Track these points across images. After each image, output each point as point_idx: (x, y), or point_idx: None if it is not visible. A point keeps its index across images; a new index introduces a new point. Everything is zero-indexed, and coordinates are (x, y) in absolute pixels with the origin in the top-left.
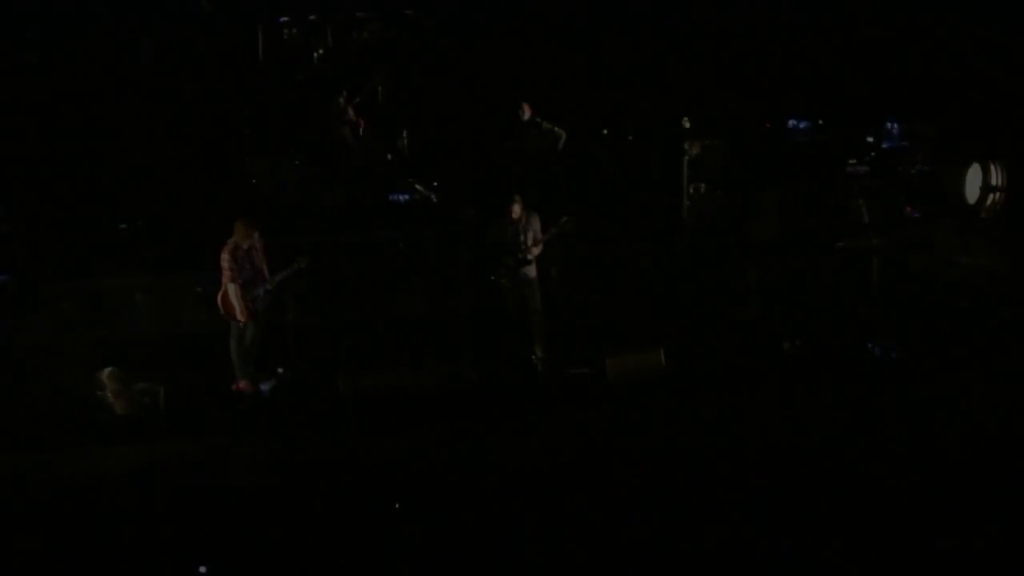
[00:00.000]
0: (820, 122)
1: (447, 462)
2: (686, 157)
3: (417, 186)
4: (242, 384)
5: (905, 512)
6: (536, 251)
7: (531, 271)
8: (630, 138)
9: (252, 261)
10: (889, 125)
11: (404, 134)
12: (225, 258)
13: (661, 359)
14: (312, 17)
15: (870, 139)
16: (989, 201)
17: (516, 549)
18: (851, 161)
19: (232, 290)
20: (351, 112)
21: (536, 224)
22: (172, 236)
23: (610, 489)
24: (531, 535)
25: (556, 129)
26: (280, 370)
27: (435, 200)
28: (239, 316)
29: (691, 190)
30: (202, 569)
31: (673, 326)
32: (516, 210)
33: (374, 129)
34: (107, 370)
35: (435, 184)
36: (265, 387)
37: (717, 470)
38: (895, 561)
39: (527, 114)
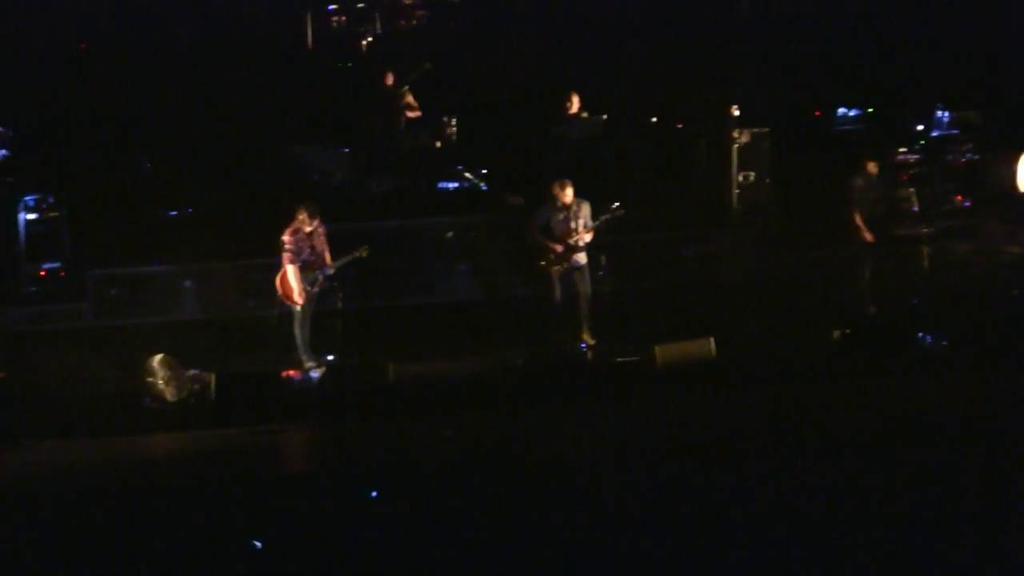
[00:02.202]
0: (869, 110)
1: (495, 450)
2: (735, 145)
3: (466, 174)
4: (290, 371)
5: (955, 503)
6: (587, 237)
7: (581, 257)
8: (679, 127)
9: (312, 245)
10: (938, 113)
11: (452, 121)
12: (286, 239)
13: (711, 347)
14: (360, 4)
15: (919, 127)
16: None
17: (562, 537)
18: (900, 149)
19: (291, 272)
20: (406, 99)
21: (586, 210)
22: (221, 224)
23: (658, 477)
24: (579, 523)
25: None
26: (329, 357)
27: (483, 188)
28: (296, 298)
29: (740, 178)
30: (256, 543)
31: (723, 314)
32: (567, 195)
33: (422, 116)
34: (157, 357)
35: (483, 171)
36: (315, 374)
37: (767, 459)
38: (944, 551)
39: (575, 105)
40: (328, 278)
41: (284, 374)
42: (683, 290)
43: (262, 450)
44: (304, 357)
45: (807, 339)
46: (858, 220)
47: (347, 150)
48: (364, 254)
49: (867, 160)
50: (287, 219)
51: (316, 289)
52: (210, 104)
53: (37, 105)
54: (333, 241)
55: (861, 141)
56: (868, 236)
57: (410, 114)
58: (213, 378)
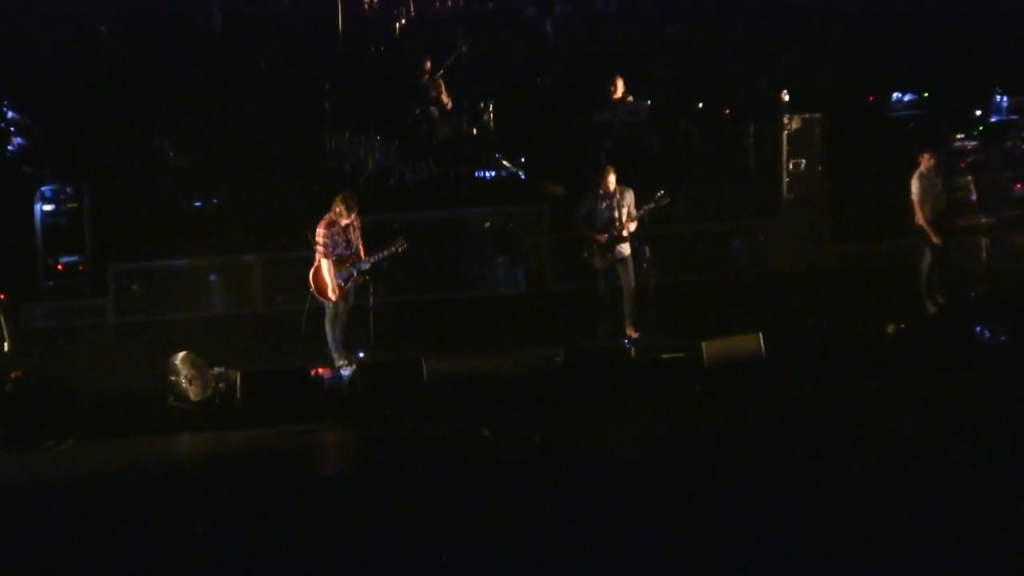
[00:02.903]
0: (925, 95)
1: (535, 451)
2: (785, 132)
3: (504, 162)
4: (320, 369)
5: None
6: (631, 227)
7: (625, 248)
8: (727, 112)
9: (348, 239)
10: (997, 98)
11: (490, 108)
12: (320, 232)
13: (760, 343)
14: None
15: (978, 112)
16: None
17: (605, 542)
18: (958, 136)
19: (325, 266)
20: (437, 86)
21: (630, 199)
22: (248, 215)
23: (705, 480)
24: (622, 527)
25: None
26: (361, 354)
27: (522, 176)
28: (330, 294)
29: (791, 166)
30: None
31: (773, 308)
32: (610, 182)
33: (458, 103)
34: (180, 354)
35: (522, 160)
36: (346, 372)
37: (817, 459)
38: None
39: (620, 90)
40: (363, 273)
41: (314, 372)
42: (731, 283)
43: (289, 452)
44: (335, 355)
45: (860, 334)
46: (924, 223)
47: (380, 138)
48: (402, 249)
49: (923, 154)
50: (318, 210)
51: (350, 285)
52: (237, 91)
53: (56, 92)
54: (365, 234)
55: (917, 127)
56: (936, 239)
57: (445, 100)
58: (239, 376)
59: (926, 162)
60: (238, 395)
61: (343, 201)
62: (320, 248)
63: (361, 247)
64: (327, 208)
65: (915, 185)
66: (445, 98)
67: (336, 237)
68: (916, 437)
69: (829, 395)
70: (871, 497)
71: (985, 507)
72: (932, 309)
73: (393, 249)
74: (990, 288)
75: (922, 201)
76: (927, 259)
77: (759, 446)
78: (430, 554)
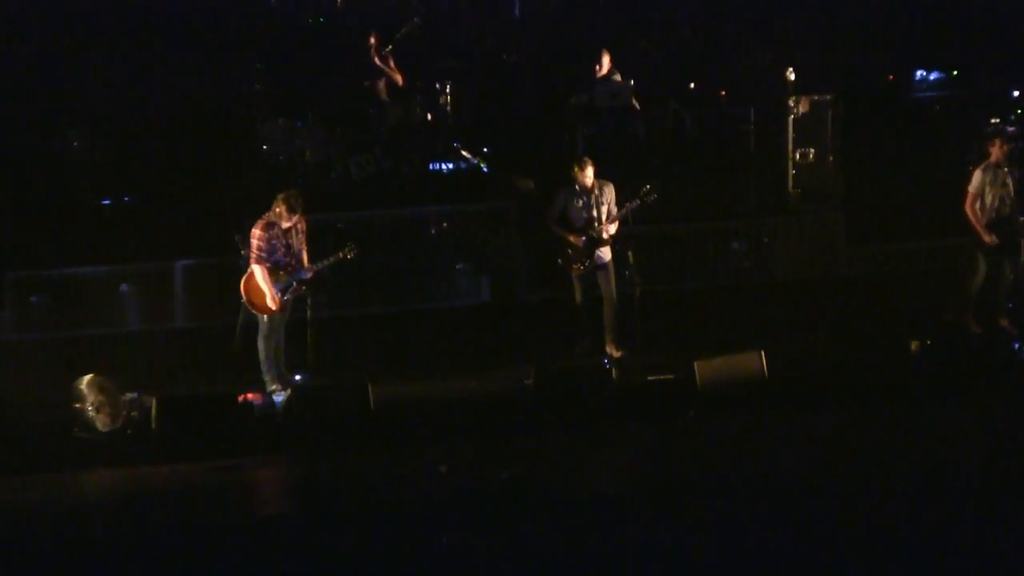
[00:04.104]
0: (954, 73)
1: (500, 490)
2: (791, 116)
3: (463, 152)
4: (250, 395)
5: None
6: (612, 229)
7: (605, 253)
8: (723, 93)
9: (288, 244)
10: None
11: (448, 89)
12: (256, 235)
13: (762, 362)
14: None
15: (1016, 93)
16: None
17: None
18: (993, 120)
19: (259, 274)
20: (386, 63)
21: (611, 196)
22: (165, 215)
23: (696, 524)
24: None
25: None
26: (297, 377)
27: (486, 169)
28: (269, 304)
29: (798, 156)
30: None
31: (776, 322)
32: (587, 177)
33: (411, 83)
34: (87, 377)
35: (485, 150)
36: (280, 398)
37: (831, 499)
38: None
39: (605, 68)
40: (304, 283)
41: (242, 398)
42: (729, 292)
43: (213, 491)
44: (268, 378)
45: (879, 352)
46: (975, 219)
47: (320, 125)
48: (350, 255)
49: (994, 141)
50: (247, 209)
51: (290, 296)
52: (153, 72)
53: None
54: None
55: (944, 110)
56: (988, 239)
57: (395, 80)
58: (155, 403)
59: (997, 151)
60: (154, 425)
61: (285, 201)
62: (254, 252)
63: (305, 254)
64: (258, 206)
65: (977, 177)
66: (396, 76)
67: (275, 241)
68: (945, 480)
69: (843, 426)
70: (896, 556)
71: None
72: (975, 328)
73: (340, 256)
74: None
75: (979, 195)
76: (980, 269)
77: (761, 487)
78: None
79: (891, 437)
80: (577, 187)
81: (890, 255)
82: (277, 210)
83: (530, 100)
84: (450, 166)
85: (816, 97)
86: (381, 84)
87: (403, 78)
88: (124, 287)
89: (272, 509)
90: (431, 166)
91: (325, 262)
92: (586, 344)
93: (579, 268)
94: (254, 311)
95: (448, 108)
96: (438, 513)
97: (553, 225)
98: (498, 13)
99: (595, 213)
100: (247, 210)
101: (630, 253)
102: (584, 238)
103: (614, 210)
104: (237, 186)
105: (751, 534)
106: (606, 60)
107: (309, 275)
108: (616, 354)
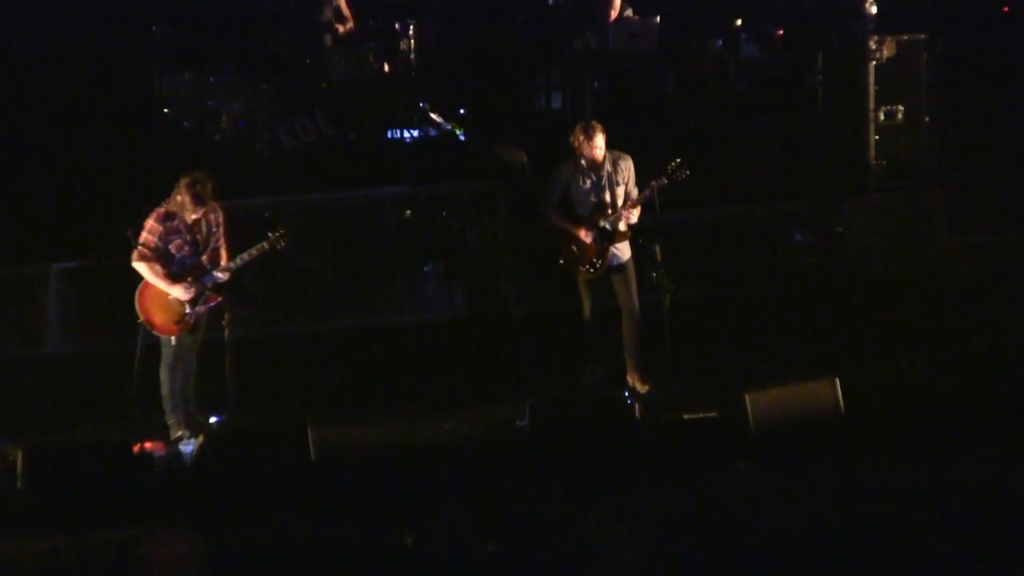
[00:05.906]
0: None
1: (485, 565)
2: (873, 63)
3: (433, 115)
4: (148, 444)
5: None
6: (631, 217)
7: (623, 251)
8: (779, 33)
9: (194, 240)
10: None
11: (411, 33)
12: (148, 226)
13: (835, 393)
14: None
15: None
16: None
17: None
18: None
19: (151, 277)
20: (336, 3)
21: (629, 173)
22: (34, 204)
23: None
24: None
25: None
26: (213, 419)
27: (462, 137)
28: (174, 325)
29: (882, 116)
30: None
31: (854, 338)
32: (596, 148)
33: (364, 24)
34: None
35: (461, 112)
36: (189, 447)
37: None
38: None
39: (617, 6)
40: (221, 287)
41: (139, 447)
42: (790, 299)
43: (98, 573)
44: (173, 420)
45: (993, 378)
46: None
47: (240, 79)
48: (280, 244)
49: None
50: (144, 194)
51: (203, 309)
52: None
53: None
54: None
55: None
56: None
57: (341, 27)
58: (20, 455)
59: None
60: (19, 483)
61: (189, 189)
62: (138, 247)
63: (224, 254)
64: (160, 189)
65: None
66: (345, 13)
67: (173, 236)
68: None
69: (947, 478)
70: None
71: None
72: None
73: (266, 246)
74: None
75: None
76: None
77: (834, 561)
78: None
79: (1014, 493)
80: (583, 162)
81: (1004, 247)
82: (179, 199)
83: (521, 44)
84: (415, 134)
85: (906, 37)
86: (322, 22)
87: (352, 15)
88: None
89: None
90: (389, 134)
91: (244, 256)
92: (598, 372)
93: (587, 271)
94: (154, 332)
95: (412, 56)
96: None
97: (552, 213)
98: None
99: (608, 196)
100: (144, 196)
101: (657, 249)
102: (594, 230)
103: (634, 192)
104: (130, 164)
105: None
106: None
107: (224, 277)
108: (641, 386)
